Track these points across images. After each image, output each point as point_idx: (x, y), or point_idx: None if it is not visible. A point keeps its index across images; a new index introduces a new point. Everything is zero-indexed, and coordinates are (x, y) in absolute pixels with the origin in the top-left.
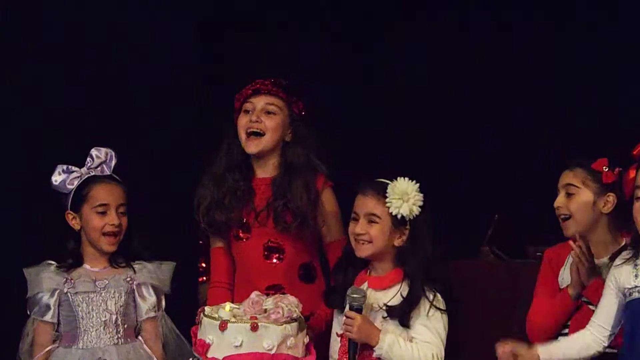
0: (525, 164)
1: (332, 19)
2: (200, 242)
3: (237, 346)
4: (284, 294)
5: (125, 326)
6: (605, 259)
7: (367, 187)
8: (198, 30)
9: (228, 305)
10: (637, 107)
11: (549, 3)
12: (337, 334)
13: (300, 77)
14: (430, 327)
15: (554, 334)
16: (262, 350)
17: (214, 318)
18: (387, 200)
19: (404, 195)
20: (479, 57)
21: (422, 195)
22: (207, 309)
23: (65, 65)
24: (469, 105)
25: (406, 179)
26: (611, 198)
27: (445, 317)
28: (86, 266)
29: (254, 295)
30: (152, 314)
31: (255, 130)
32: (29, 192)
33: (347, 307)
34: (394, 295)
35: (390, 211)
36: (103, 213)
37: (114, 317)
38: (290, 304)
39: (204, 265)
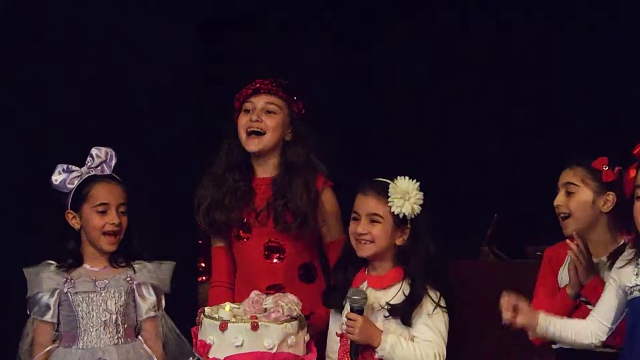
0: (525, 164)
1: (332, 19)
2: (200, 241)
3: (238, 346)
4: (283, 293)
5: (125, 326)
6: (604, 258)
7: (368, 187)
8: (198, 30)
9: (228, 305)
10: (637, 107)
11: (549, 3)
12: (336, 334)
13: (300, 77)
14: (432, 326)
15: None
16: (263, 350)
17: (214, 318)
18: (389, 199)
19: (406, 195)
20: (479, 57)
21: (422, 193)
22: (207, 309)
23: (65, 65)
24: (469, 105)
25: (406, 178)
26: (611, 197)
27: (446, 315)
28: (86, 266)
29: (253, 294)
30: (152, 314)
31: (255, 129)
32: (29, 192)
33: (348, 309)
34: (395, 294)
35: (392, 210)
36: (103, 212)
37: (114, 317)
38: (290, 302)
39: (203, 265)
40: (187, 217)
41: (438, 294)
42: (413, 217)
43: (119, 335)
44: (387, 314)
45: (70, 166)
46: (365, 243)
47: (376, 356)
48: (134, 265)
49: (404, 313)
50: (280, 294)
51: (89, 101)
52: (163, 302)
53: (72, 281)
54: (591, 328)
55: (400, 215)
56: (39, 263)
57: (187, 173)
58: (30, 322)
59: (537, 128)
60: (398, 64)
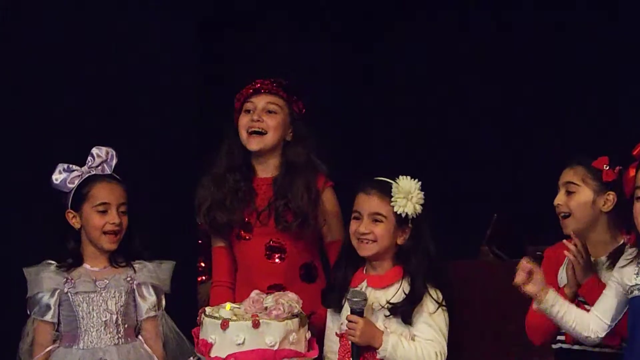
0: (525, 164)
1: (332, 19)
2: (200, 241)
3: (239, 344)
4: (284, 292)
5: (126, 326)
6: (603, 258)
7: (370, 186)
8: (198, 30)
9: (229, 305)
10: (637, 107)
11: (549, 3)
12: (336, 334)
13: (300, 77)
14: (433, 325)
15: (553, 335)
16: (265, 347)
17: (215, 317)
18: (392, 199)
19: (408, 194)
20: (479, 57)
21: (423, 193)
22: (207, 309)
23: (65, 65)
24: (469, 105)
25: (407, 177)
26: (611, 197)
27: (446, 314)
28: (86, 266)
29: (254, 294)
30: (153, 314)
31: (256, 129)
32: (29, 192)
33: (348, 309)
34: (395, 292)
35: (395, 210)
36: (104, 212)
37: (114, 317)
38: (290, 300)
39: (203, 264)
40: (187, 217)
41: (439, 293)
42: (414, 216)
43: (120, 335)
44: (387, 313)
45: (70, 166)
46: (367, 242)
47: (378, 357)
48: (134, 265)
49: (404, 312)
50: (281, 292)
51: (89, 101)
52: (163, 302)
53: (73, 281)
54: (591, 322)
55: (403, 215)
56: (39, 263)
57: (187, 173)
58: (30, 322)
59: (537, 128)
60: (398, 64)
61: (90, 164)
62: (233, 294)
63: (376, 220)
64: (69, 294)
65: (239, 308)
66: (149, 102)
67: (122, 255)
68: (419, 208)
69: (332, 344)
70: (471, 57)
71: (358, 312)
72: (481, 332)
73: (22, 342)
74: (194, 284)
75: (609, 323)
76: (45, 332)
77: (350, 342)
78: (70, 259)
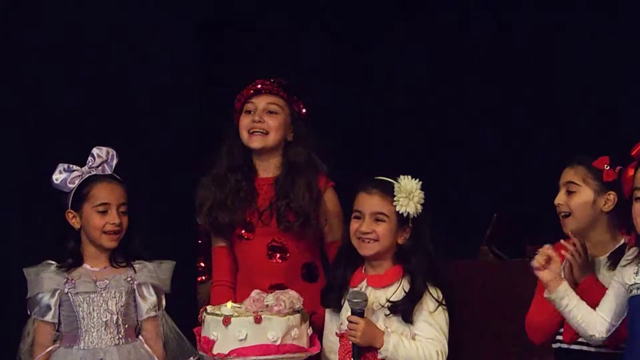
0: (525, 164)
1: (332, 19)
2: (200, 241)
3: (241, 340)
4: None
5: (126, 326)
6: (602, 257)
7: (371, 186)
8: (198, 30)
9: (230, 304)
10: (637, 107)
11: (549, 3)
12: (336, 333)
13: (300, 77)
14: (433, 324)
15: (553, 334)
16: (267, 342)
17: (216, 314)
18: (394, 198)
19: (410, 194)
20: (479, 57)
21: (423, 192)
22: (209, 308)
23: (65, 65)
24: (469, 105)
25: (408, 176)
26: (612, 197)
27: (446, 312)
28: (86, 266)
29: (254, 293)
30: (153, 314)
31: (258, 130)
32: (29, 192)
33: (347, 308)
34: (395, 291)
35: (397, 209)
36: (104, 212)
37: (114, 317)
38: (291, 297)
39: (202, 264)
40: (187, 217)
41: (438, 291)
42: (415, 216)
43: (120, 336)
44: (387, 312)
45: (71, 165)
46: (368, 242)
47: (379, 357)
48: (134, 265)
49: (404, 310)
50: (281, 290)
51: (89, 101)
52: (163, 302)
53: (73, 281)
54: (597, 322)
55: (405, 215)
56: (39, 263)
57: (187, 173)
58: (30, 323)
59: (537, 128)
60: (398, 64)
61: (90, 164)
62: (234, 293)
63: (378, 220)
64: (70, 294)
65: (239, 307)
66: (149, 102)
67: (122, 256)
68: (419, 208)
69: (331, 344)
70: (471, 57)
71: (359, 312)
72: (481, 332)
73: (23, 342)
74: (194, 284)
75: (613, 323)
76: (45, 333)
77: (351, 342)
78: (70, 259)
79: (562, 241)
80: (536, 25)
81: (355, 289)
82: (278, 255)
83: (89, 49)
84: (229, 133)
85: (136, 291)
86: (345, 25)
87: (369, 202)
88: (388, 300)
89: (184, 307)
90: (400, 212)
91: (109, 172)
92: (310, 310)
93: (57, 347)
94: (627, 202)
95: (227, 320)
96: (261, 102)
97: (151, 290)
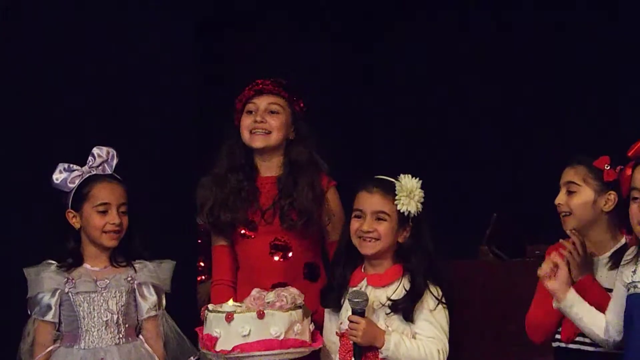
0: (525, 164)
1: (332, 19)
2: (199, 241)
3: (245, 335)
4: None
5: (127, 326)
6: (602, 257)
7: (372, 185)
8: (198, 30)
9: (231, 302)
10: (637, 107)
11: (549, 3)
12: (337, 333)
13: (300, 77)
14: (434, 322)
15: (553, 333)
16: (270, 337)
17: (219, 311)
18: (396, 197)
19: (411, 193)
20: (479, 57)
21: (422, 191)
22: (210, 306)
23: (65, 65)
24: (469, 105)
25: (408, 175)
26: (612, 196)
27: (446, 311)
28: (87, 266)
29: (255, 292)
30: (153, 313)
31: (260, 130)
32: (29, 192)
33: (347, 307)
34: (396, 290)
35: (398, 208)
36: (104, 212)
37: (115, 316)
38: (292, 293)
39: (202, 264)
40: (187, 217)
41: (439, 290)
42: (416, 215)
43: (121, 335)
44: (388, 311)
45: (71, 165)
46: (370, 241)
47: (380, 356)
48: (134, 265)
49: (405, 308)
50: (281, 288)
51: (89, 101)
52: (164, 302)
53: (73, 281)
54: (609, 325)
55: (405, 213)
56: (39, 263)
57: (187, 173)
58: (31, 322)
59: (537, 128)
60: (398, 64)
61: (90, 163)
62: (234, 292)
63: (379, 219)
64: (70, 293)
65: (240, 306)
66: (149, 102)
67: (122, 255)
68: (420, 207)
69: (331, 344)
70: (471, 57)
71: (359, 312)
72: (481, 332)
73: (23, 342)
74: (194, 283)
75: (621, 323)
76: (46, 332)
77: (352, 342)
78: (70, 259)
79: (561, 240)
80: (536, 25)
81: (355, 288)
82: (281, 253)
83: (89, 49)
84: (229, 133)
85: (136, 291)
86: (345, 25)
87: (370, 201)
88: (389, 299)
89: (184, 306)
90: (401, 210)
91: (109, 172)
92: (311, 309)
93: (57, 346)
94: (627, 202)
95: (230, 317)
96: (262, 102)
97: (151, 289)
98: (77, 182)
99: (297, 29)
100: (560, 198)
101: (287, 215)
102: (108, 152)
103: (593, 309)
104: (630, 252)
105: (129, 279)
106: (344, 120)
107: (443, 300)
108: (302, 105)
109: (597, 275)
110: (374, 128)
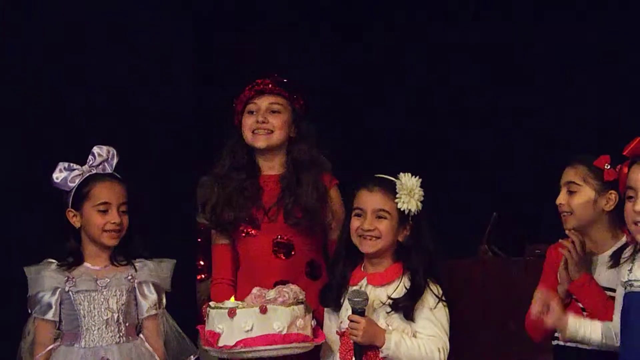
0: (525, 164)
1: (331, 19)
2: (199, 240)
3: (247, 330)
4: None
5: (127, 324)
6: (601, 255)
7: (372, 183)
8: (197, 30)
9: (232, 299)
10: (637, 107)
11: (550, 3)
12: (337, 332)
13: (300, 77)
14: (434, 321)
15: (553, 331)
16: (273, 332)
17: (221, 308)
18: (396, 196)
19: (411, 191)
20: (479, 57)
21: (422, 190)
22: (212, 303)
23: (66, 65)
24: (469, 106)
25: (408, 174)
26: (613, 196)
27: (447, 309)
28: (87, 264)
29: (255, 290)
30: (153, 312)
31: (262, 130)
32: (29, 192)
33: (347, 307)
34: (396, 288)
35: (398, 206)
36: (104, 211)
37: (115, 315)
38: (293, 289)
39: (202, 263)
40: (187, 216)
41: (439, 288)
42: (416, 213)
43: (121, 334)
44: (389, 309)
45: (71, 164)
46: (370, 239)
47: (381, 355)
48: (135, 264)
49: (405, 307)
50: (281, 285)
51: (89, 101)
52: (164, 300)
53: (74, 280)
54: (615, 330)
55: (406, 212)
56: (40, 262)
57: (187, 173)
58: (31, 321)
59: (537, 128)
60: (398, 64)
61: (91, 162)
62: (235, 291)
63: (380, 217)
64: (70, 292)
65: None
66: (149, 102)
67: (122, 254)
68: (420, 205)
69: (331, 343)
70: (471, 57)
71: (360, 311)
72: (481, 331)
73: (23, 341)
74: (194, 282)
75: None
76: (46, 331)
77: (352, 341)
78: (71, 258)
79: (561, 240)
80: (536, 25)
81: (355, 287)
82: (283, 251)
83: (89, 49)
84: (230, 133)
85: (137, 289)
86: (345, 25)
87: (371, 200)
88: (389, 298)
89: (184, 305)
90: (402, 209)
91: (110, 171)
92: (313, 307)
93: (57, 345)
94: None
95: (232, 312)
96: (263, 102)
97: (152, 288)
98: (77, 181)
99: (298, 29)
100: (561, 198)
101: (291, 212)
102: (108, 151)
103: (597, 321)
104: (627, 251)
105: (129, 277)
106: (344, 120)
107: (443, 297)
108: (302, 103)
109: (596, 274)
110: (374, 128)
